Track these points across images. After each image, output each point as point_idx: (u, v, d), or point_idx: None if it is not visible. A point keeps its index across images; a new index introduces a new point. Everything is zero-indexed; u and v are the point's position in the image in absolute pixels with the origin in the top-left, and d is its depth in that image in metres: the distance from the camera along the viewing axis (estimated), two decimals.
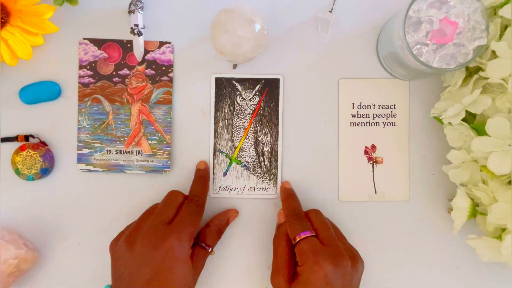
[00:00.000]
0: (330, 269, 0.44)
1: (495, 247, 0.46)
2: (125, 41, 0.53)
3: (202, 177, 0.52)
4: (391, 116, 0.54)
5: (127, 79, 0.53)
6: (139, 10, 0.51)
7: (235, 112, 0.53)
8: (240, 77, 0.53)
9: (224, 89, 0.53)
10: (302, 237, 0.46)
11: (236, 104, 0.53)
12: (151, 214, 0.47)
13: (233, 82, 0.53)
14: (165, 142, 0.53)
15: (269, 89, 0.53)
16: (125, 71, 0.53)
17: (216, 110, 0.53)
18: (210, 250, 0.49)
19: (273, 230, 0.53)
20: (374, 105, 0.54)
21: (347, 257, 0.45)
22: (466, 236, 0.48)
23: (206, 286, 0.53)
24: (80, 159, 0.53)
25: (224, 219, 0.52)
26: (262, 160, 0.53)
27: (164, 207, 0.48)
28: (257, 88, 0.53)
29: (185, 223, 0.46)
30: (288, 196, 0.51)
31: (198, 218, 0.48)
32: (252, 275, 0.53)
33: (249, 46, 0.47)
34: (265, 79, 0.53)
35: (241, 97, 0.53)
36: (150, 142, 0.53)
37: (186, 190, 0.53)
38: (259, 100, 0.53)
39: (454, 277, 0.54)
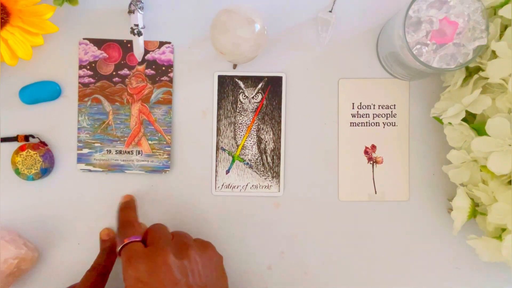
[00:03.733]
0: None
1: (495, 247, 0.46)
2: (125, 41, 0.53)
3: (107, 247, 0.51)
4: (391, 116, 0.54)
5: (127, 79, 0.53)
6: (139, 10, 0.51)
7: (237, 110, 0.53)
8: (243, 75, 0.53)
9: (227, 87, 0.53)
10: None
11: (239, 102, 0.53)
12: None
13: (236, 80, 0.53)
14: (165, 142, 0.53)
15: (272, 87, 0.53)
16: (125, 71, 0.53)
17: (219, 108, 0.53)
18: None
19: (276, 227, 0.53)
20: (374, 105, 0.54)
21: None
22: (466, 236, 0.48)
23: None
24: (80, 159, 0.53)
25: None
26: (265, 158, 0.53)
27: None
28: (259, 86, 0.53)
29: None
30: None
31: (99, 286, 0.47)
32: (252, 275, 0.53)
33: (249, 46, 0.47)
34: (267, 77, 0.53)
35: (243, 95, 0.53)
36: (150, 142, 0.53)
37: (185, 189, 0.53)
38: (261, 98, 0.53)
39: (454, 277, 0.54)
